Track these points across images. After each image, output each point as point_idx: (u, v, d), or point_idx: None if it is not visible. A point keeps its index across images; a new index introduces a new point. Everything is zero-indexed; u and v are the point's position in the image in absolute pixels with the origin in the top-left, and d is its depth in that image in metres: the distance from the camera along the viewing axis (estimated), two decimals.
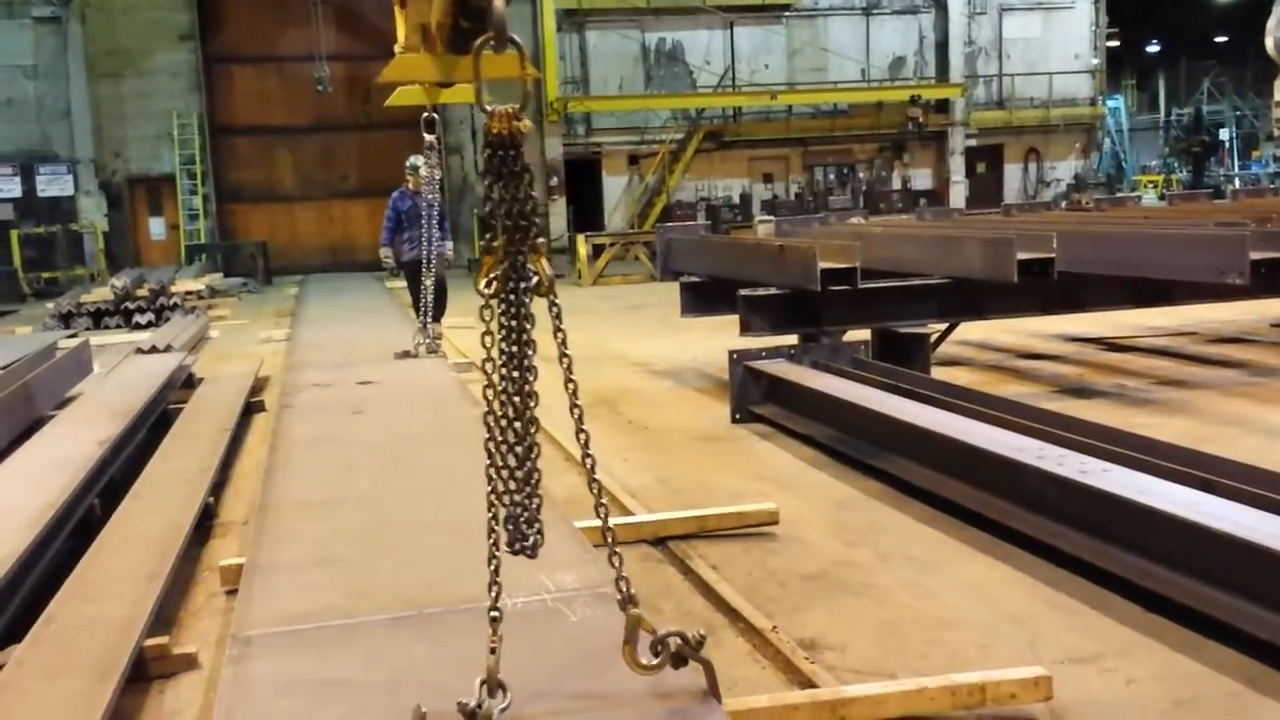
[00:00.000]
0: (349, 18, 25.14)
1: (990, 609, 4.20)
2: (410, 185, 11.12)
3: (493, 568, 2.83)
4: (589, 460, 2.77)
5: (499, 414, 2.75)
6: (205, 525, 5.64)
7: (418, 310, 10.01)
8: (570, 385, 2.71)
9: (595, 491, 2.83)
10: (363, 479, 5.17)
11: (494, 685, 2.69)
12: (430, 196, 8.40)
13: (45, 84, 24.16)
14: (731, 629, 4.12)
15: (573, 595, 3.55)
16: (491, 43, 2.59)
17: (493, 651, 2.74)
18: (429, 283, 8.54)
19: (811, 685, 3.53)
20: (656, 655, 2.75)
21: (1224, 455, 4.66)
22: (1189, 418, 7.18)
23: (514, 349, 2.71)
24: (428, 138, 6.87)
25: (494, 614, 2.76)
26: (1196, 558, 3.92)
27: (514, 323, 2.71)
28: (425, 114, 6.65)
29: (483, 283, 2.69)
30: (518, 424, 2.76)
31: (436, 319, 9.79)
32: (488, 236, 2.71)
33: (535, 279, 2.71)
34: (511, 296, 2.69)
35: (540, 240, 2.74)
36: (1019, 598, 4.30)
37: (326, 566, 4.08)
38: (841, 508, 5.60)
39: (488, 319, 2.71)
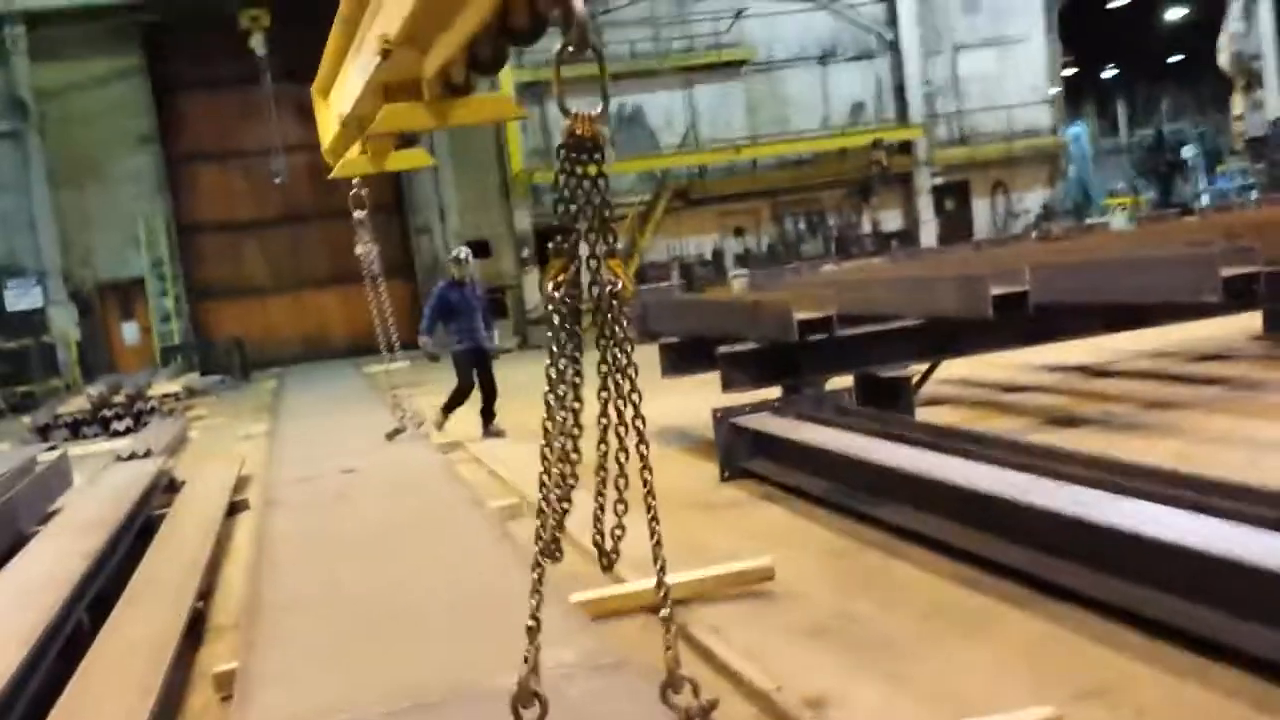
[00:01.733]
0: (309, 108, 25.30)
1: (994, 649, 4.15)
2: (455, 275, 10.87)
3: (535, 576, 2.77)
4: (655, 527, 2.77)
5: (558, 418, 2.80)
6: (197, 630, 5.55)
7: (458, 400, 10.66)
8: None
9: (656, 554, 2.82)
10: (351, 571, 5.12)
11: (526, 697, 2.64)
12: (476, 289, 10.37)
13: (9, 198, 24.13)
14: (736, 693, 4.06)
15: (571, 671, 3.50)
16: (571, 47, 2.51)
17: (526, 661, 2.69)
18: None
19: None
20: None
21: (1211, 473, 4.65)
22: (1175, 438, 7.19)
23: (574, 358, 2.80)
24: (357, 214, 6.90)
25: (530, 624, 2.71)
26: (1194, 581, 3.89)
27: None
28: (352, 191, 6.67)
29: (550, 285, 2.72)
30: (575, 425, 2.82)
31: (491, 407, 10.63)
32: (558, 239, 2.71)
33: (618, 283, 2.73)
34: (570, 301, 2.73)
35: (620, 248, 2.78)
36: (1022, 636, 4.25)
37: (319, 664, 4.02)
38: (837, 559, 5.55)
39: (552, 324, 2.75)
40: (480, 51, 3.44)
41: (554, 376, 2.75)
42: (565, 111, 2.58)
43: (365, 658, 3.98)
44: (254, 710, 3.60)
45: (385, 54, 3.58)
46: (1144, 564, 4.12)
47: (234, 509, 8.21)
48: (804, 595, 5.05)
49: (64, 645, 5.11)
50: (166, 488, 8.97)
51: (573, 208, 2.62)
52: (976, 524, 5.14)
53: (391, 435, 8.00)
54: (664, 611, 2.77)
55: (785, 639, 4.56)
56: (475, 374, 10.60)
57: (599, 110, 2.60)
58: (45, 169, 24.21)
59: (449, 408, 10.82)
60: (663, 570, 2.83)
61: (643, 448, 2.83)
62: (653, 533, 2.82)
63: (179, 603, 5.44)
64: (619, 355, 2.75)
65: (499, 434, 10.41)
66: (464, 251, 10.88)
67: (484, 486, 7.94)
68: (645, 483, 2.80)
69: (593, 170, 2.63)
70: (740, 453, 7.61)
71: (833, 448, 6.55)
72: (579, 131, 2.61)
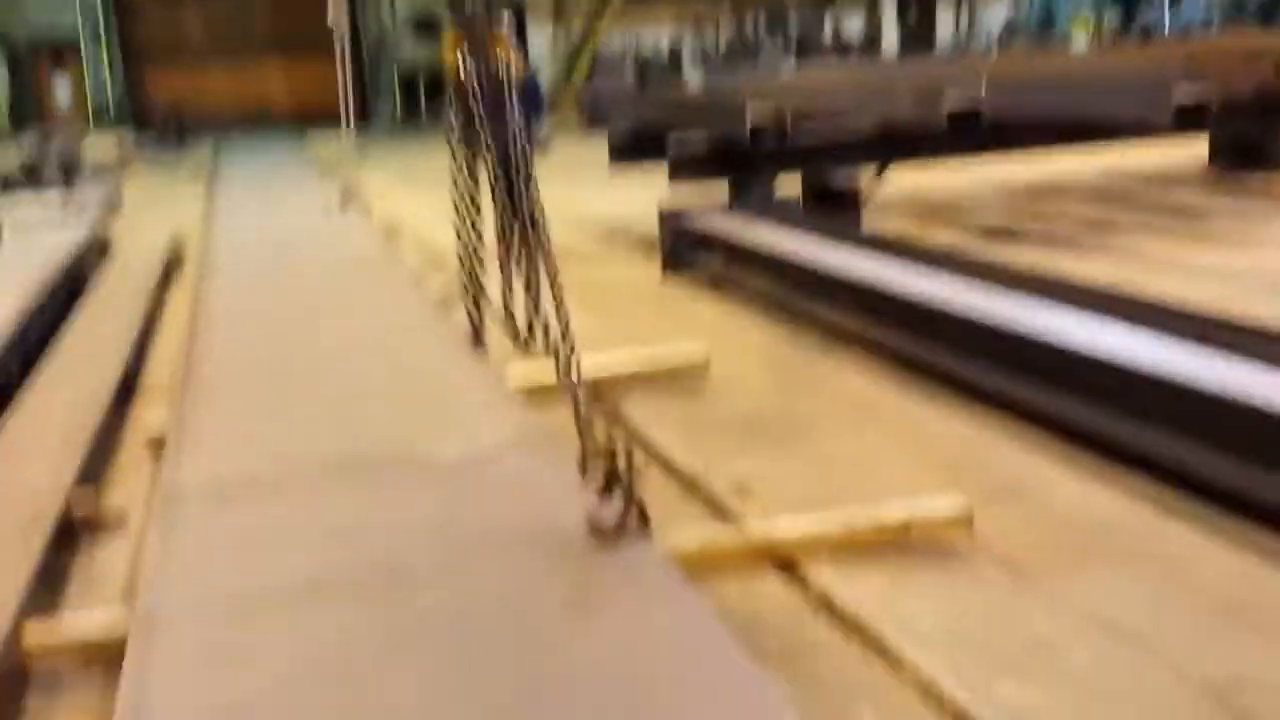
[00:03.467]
0: None
1: (920, 447, 4.27)
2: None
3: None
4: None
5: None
6: (129, 390, 5.53)
7: None
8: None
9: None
10: (285, 341, 5.10)
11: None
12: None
13: None
14: (661, 473, 4.15)
15: (504, 446, 3.55)
16: None
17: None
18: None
19: (741, 525, 3.58)
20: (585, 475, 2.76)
21: (1143, 294, 4.73)
22: (1112, 259, 7.27)
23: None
24: None
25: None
26: (1114, 392, 4.00)
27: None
28: None
29: (452, 55, 2.74)
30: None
31: None
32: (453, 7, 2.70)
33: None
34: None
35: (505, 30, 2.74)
36: (948, 436, 4.37)
37: (252, 428, 4.04)
38: (772, 355, 5.63)
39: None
40: None
41: (457, 159, 2.73)
42: None
43: (299, 424, 4.01)
44: (184, 470, 3.62)
45: None
46: (1067, 373, 4.22)
47: (167, 275, 8.09)
48: (735, 387, 5.12)
49: None
50: (99, 250, 8.82)
51: None
52: (911, 330, 5.21)
53: (342, 205, 7.79)
54: (574, 377, 2.78)
55: (713, 426, 4.65)
56: None
57: None
58: None
59: None
60: (565, 338, 2.82)
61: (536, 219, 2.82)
62: (555, 297, 2.81)
63: (110, 363, 5.41)
64: (515, 135, 2.71)
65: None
66: None
67: (425, 265, 7.89)
68: (532, 254, 2.80)
69: None
70: (684, 250, 7.59)
71: (777, 249, 6.56)
72: None
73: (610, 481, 2.74)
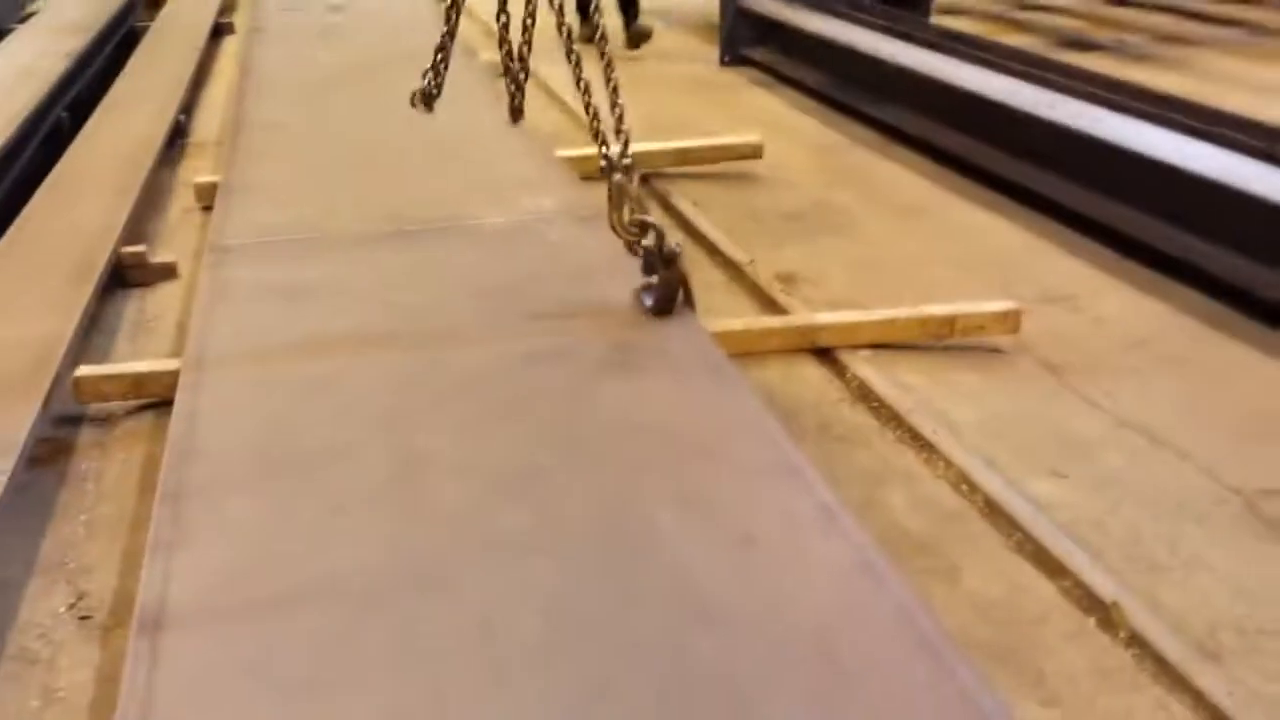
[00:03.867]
0: None
1: (970, 250, 4.21)
2: None
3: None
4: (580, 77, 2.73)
5: None
6: (178, 144, 5.52)
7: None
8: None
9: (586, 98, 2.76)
10: (336, 103, 5.04)
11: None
12: None
13: None
14: (709, 261, 4.13)
15: (552, 217, 3.53)
16: None
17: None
18: None
19: (785, 314, 3.57)
20: (632, 233, 2.73)
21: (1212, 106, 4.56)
22: (1182, 73, 7.00)
23: None
24: None
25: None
26: (1173, 202, 3.91)
27: None
28: None
29: None
30: None
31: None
32: None
33: None
34: None
35: None
36: (1000, 241, 4.31)
37: (303, 183, 4.04)
38: (828, 152, 5.51)
39: None
40: None
41: None
42: None
43: (347, 184, 3.99)
44: (233, 219, 3.63)
45: None
46: (1128, 181, 4.13)
47: (218, 30, 7.96)
48: (788, 181, 5.04)
49: (42, 142, 5.09)
50: (150, 1, 8.66)
51: None
52: (972, 130, 5.07)
53: None
54: (625, 161, 2.72)
55: (764, 218, 4.60)
56: None
57: None
58: None
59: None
60: (621, 123, 2.76)
61: None
62: (609, 80, 2.74)
63: (161, 113, 5.37)
64: None
65: (643, 33, 7.71)
66: None
67: (476, 39, 7.71)
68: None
69: None
70: (743, 38, 7.36)
71: (839, 39, 6.34)
72: None
73: (653, 262, 2.71)
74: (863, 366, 3.25)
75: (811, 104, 6.34)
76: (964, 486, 2.70)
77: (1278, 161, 3.79)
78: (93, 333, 3.54)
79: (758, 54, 7.24)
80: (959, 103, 5.18)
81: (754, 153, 5.08)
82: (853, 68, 6.14)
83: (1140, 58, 7.50)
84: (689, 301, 2.79)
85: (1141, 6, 9.52)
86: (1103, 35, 8.31)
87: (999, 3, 9.75)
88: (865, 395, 3.15)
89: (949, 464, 2.78)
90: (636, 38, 7.66)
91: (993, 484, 2.66)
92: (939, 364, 3.32)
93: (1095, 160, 4.31)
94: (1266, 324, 3.47)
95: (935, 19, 7.78)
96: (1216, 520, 2.56)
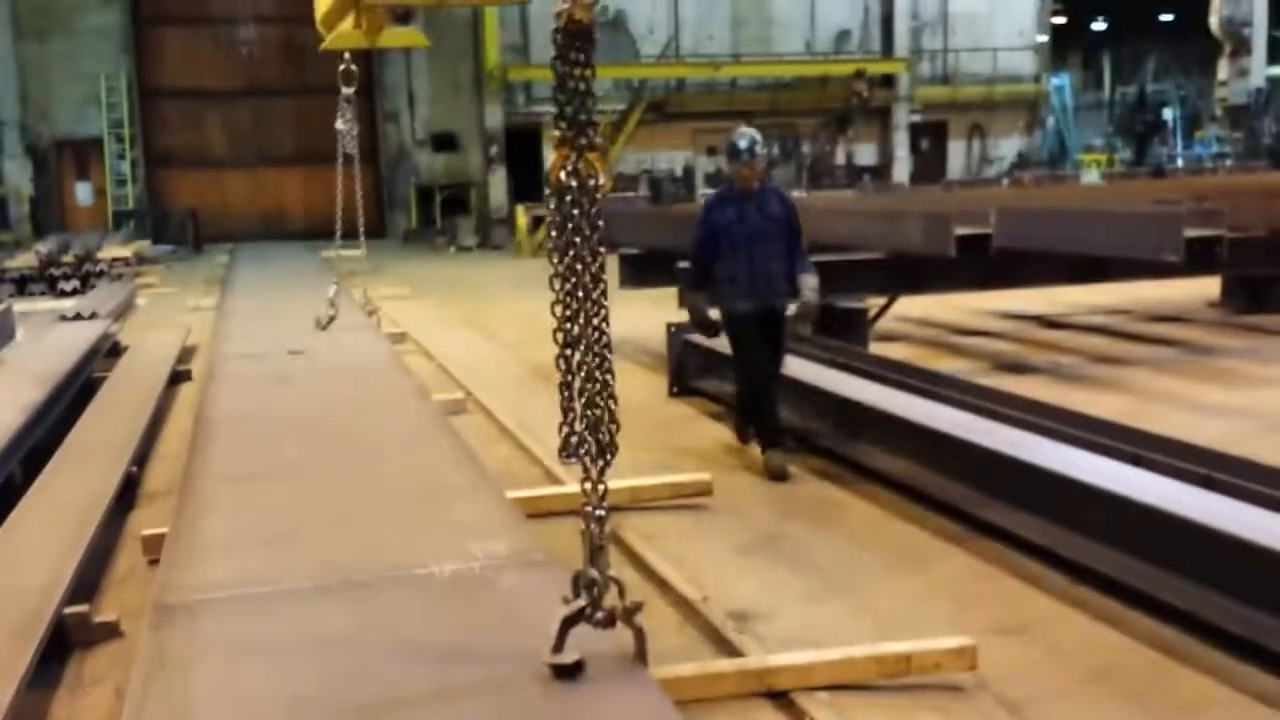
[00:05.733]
0: None
1: (921, 580, 4.22)
2: (743, 177, 5.81)
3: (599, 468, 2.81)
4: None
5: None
6: (129, 495, 5.52)
7: (752, 402, 5.89)
8: None
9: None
10: (290, 450, 5.08)
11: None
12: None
13: None
14: (662, 599, 4.10)
15: (502, 564, 3.51)
16: None
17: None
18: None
19: (739, 655, 3.52)
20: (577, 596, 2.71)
21: (1153, 431, 4.71)
22: (1122, 394, 7.27)
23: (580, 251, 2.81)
24: (345, 90, 6.65)
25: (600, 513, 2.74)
26: (1121, 530, 3.96)
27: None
28: (342, 66, 6.40)
29: (558, 174, 2.72)
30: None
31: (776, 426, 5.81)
32: (562, 125, 2.73)
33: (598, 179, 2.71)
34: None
35: (600, 141, 2.74)
36: (950, 569, 4.32)
37: (251, 536, 4.00)
38: (775, 481, 5.59)
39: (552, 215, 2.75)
40: None
41: (566, 275, 2.74)
42: None
43: (297, 534, 3.97)
44: (180, 575, 3.58)
45: None
46: (1075, 509, 4.19)
47: (176, 379, 8.13)
48: (739, 513, 5.09)
49: None
50: (110, 351, 8.87)
51: (573, 88, 2.60)
52: (917, 458, 5.19)
53: (324, 324, 7.75)
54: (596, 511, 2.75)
55: (715, 553, 4.61)
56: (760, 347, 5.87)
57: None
58: (8, 16, 23.48)
59: (746, 418, 6.05)
60: (602, 472, 2.80)
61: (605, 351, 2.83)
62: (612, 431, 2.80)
63: (113, 465, 5.40)
64: (588, 255, 2.74)
65: (781, 473, 5.59)
66: (746, 133, 5.81)
67: (431, 379, 7.91)
68: (606, 384, 2.79)
69: (583, 59, 2.62)
70: (691, 369, 7.63)
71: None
72: (576, 16, 2.58)
73: (610, 616, 2.70)
74: (823, 712, 3.18)
75: None
76: None
77: (1216, 487, 3.90)
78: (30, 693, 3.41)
79: (705, 384, 7.47)
80: (902, 431, 5.32)
81: (704, 489, 5.15)
82: (796, 397, 6.32)
83: (1078, 379, 7.80)
84: (641, 655, 2.75)
85: (1075, 328, 9.98)
86: (1038, 358, 8.66)
87: (934, 329, 10.20)
88: None
89: None
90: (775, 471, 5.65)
91: None
92: (898, 706, 3.25)
93: (1036, 487, 4.40)
94: (1227, 653, 3.45)
95: (874, 346, 8.11)
96: None
